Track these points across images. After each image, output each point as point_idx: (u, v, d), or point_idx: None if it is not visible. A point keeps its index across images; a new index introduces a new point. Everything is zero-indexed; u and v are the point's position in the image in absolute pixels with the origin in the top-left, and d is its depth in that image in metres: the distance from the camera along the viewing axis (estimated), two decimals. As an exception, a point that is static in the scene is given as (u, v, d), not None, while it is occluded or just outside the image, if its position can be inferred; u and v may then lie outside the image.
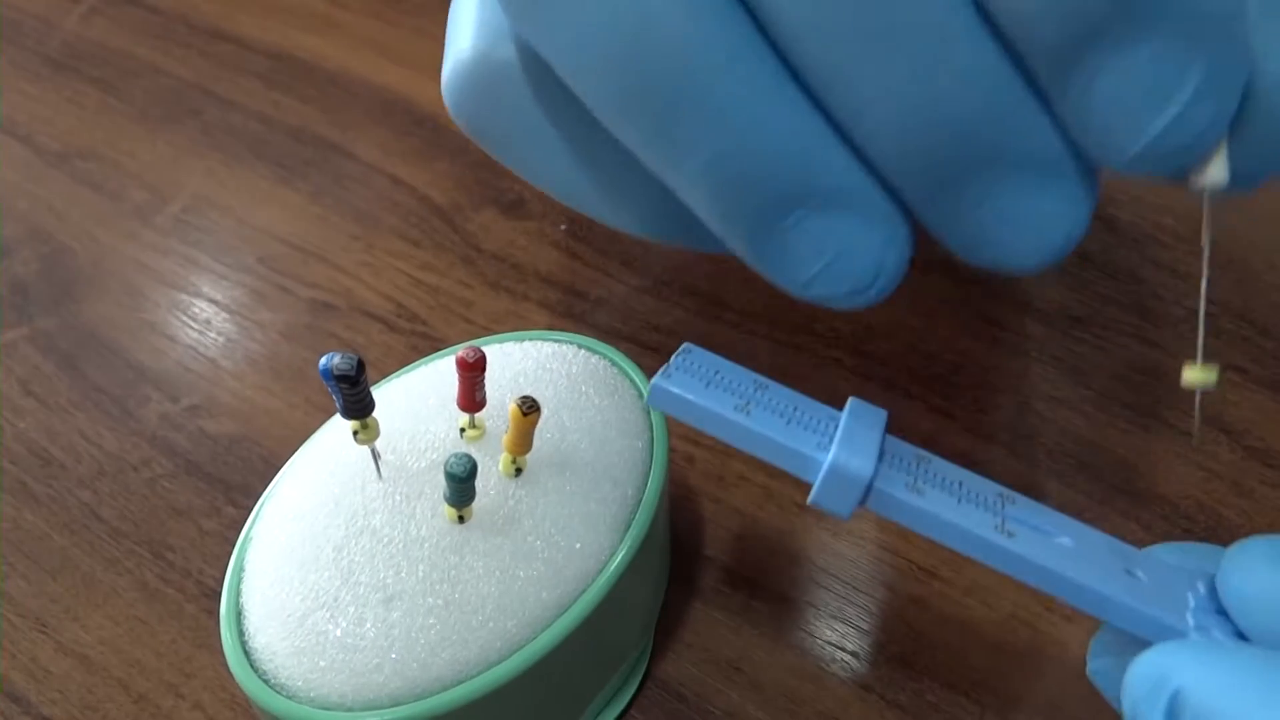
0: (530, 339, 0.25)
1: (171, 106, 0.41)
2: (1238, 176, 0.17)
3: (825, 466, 0.17)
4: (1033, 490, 0.29)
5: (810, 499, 0.18)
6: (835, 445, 0.17)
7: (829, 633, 0.25)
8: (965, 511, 0.17)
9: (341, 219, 0.36)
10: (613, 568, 0.21)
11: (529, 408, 0.20)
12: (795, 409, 0.18)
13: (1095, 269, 0.34)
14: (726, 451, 0.29)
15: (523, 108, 0.20)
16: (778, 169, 0.17)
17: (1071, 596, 0.17)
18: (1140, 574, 0.17)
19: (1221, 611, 0.17)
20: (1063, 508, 0.28)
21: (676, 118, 0.17)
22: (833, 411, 0.19)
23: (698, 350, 0.19)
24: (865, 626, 0.26)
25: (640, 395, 0.24)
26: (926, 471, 0.18)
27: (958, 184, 0.17)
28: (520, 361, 0.24)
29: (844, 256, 0.18)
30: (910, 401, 0.31)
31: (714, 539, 0.27)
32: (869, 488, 0.17)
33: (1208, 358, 0.32)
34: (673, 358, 0.19)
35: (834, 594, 0.26)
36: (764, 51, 0.17)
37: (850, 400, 0.19)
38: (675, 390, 0.18)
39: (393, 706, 0.19)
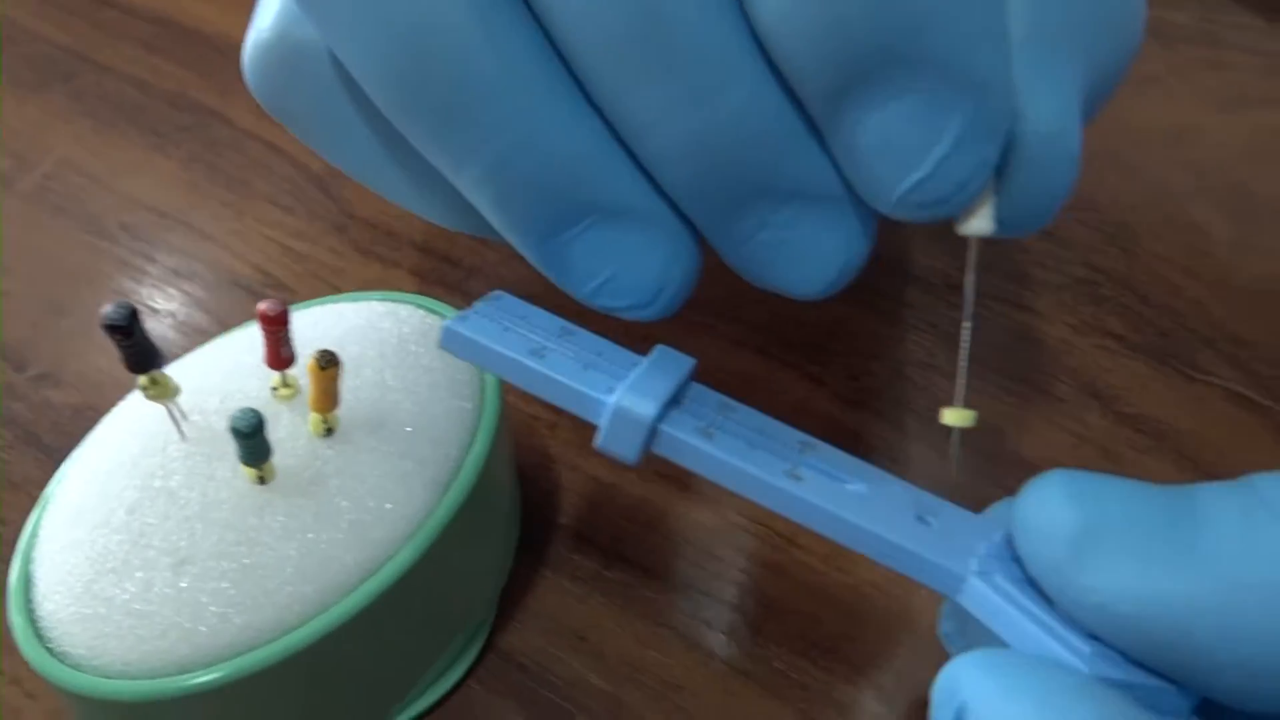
0: (365, 299, 0.24)
1: (45, 73, 0.40)
2: (1006, 225, 0.17)
3: (610, 409, 0.17)
4: (900, 455, 0.29)
5: (597, 443, 0.17)
6: (622, 388, 0.17)
7: (682, 601, 0.25)
8: (755, 457, 0.17)
9: (213, 185, 0.35)
10: (427, 530, 0.20)
11: (326, 361, 0.19)
12: (599, 354, 0.18)
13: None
14: (589, 419, 0.28)
15: (323, 91, 0.20)
16: (559, 180, 0.17)
17: (849, 540, 0.16)
18: (933, 521, 0.17)
19: (1017, 559, 0.16)
20: (930, 473, 0.28)
21: (455, 121, 0.17)
22: (638, 358, 0.18)
23: (507, 297, 0.19)
24: (718, 594, 0.25)
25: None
26: (726, 419, 0.18)
27: (736, 209, 0.17)
28: (350, 320, 0.23)
29: (627, 270, 0.18)
30: (784, 368, 0.30)
31: (569, 507, 0.27)
32: (654, 430, 0.17)
33: (1085, 326, 0.31)
34: (476, 302, 0.18)
35: (689, 562, 0.26)
36: (549, 62, 0.17)
37: (657, 347, 0.19)
38: (465, 333, 0.17)
39: (180, 674, 0.18)
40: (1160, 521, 0.14)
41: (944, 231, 0.34)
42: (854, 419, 0.29)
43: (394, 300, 0.24)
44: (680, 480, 0.27)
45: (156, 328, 0.31)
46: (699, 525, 0.26)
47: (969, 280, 0.18)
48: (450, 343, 0.18)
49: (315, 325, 0.23)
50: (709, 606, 0.25)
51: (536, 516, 0.26)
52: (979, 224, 0.17)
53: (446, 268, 0.32)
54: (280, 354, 0.20)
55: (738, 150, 0.16)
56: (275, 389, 0.21)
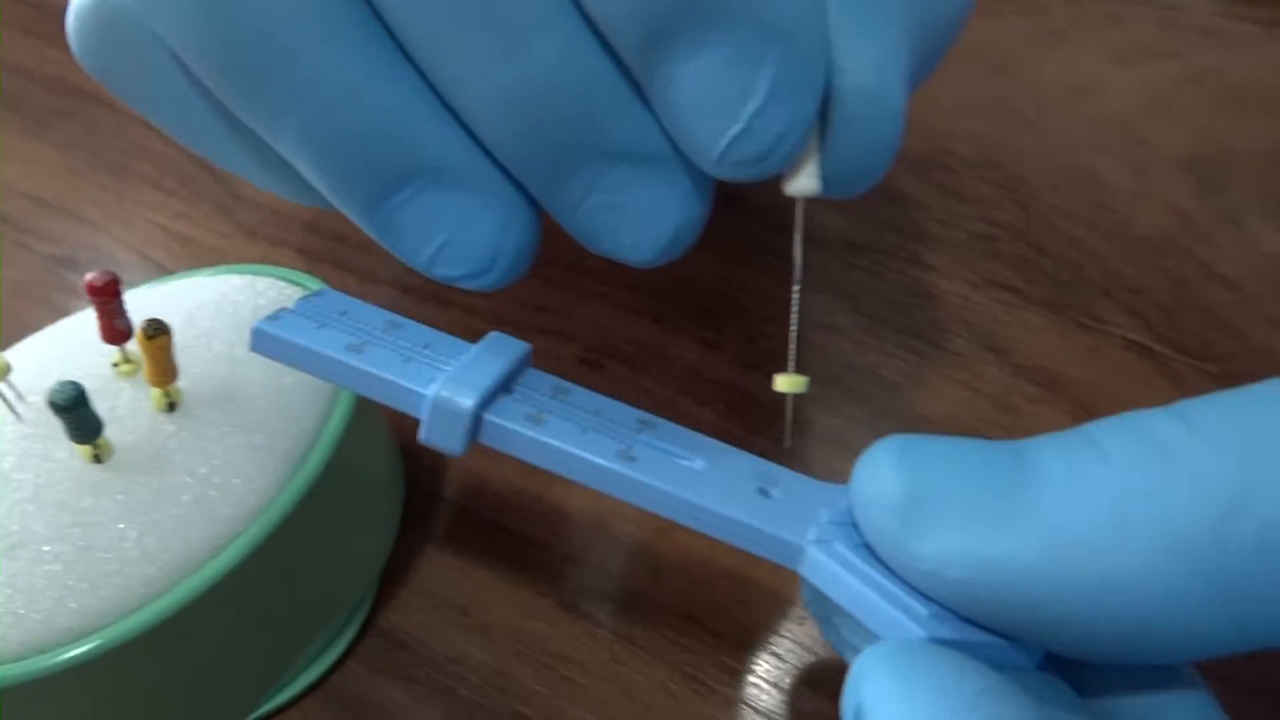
0: (223, 272, 0.23)
1: (-78, 61, 0.39)
2: (833, 184, 0.17)
3: (428, 401, 0.16)
4: (796, 417, 0.28)
5: (420, 436, 0.17)
6: (441, 379, 0.17)
7: (569, 571, 0.24)
8: (586, 440, 0.17)
9: (93, 171, 0.34)
10: (279, 505, 0.19)
11: (154, 330, 0.18)
12: (426, 346, 0.18)
13: (877, 195, 0.33)
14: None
15: (145, 55, 0.19)
16: (378, 140, 0.17)
17: (683, 517, 0.16)
18: (776, 493, 0.17)
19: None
20: (824, 434, 0.27)
21: (265, 80, 0.16)
22: (469, 347, 0.18)
23: (330, 293, 0.19)
24: (605, 563, 0.24)
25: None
26: (559, 403, 0.17)
27: (562, 171, 0.17)
28: (204, 293, 0.22)
29: (460, 237, 0.18)
30: (679, 334, 0.30)
31: (454, 481, 0.26)
32: (479, 420, 0.17)
33: (983, 281, 0.31)
34: (295, 301, 0.18)
35: (577, 532, 0.25)
36: (362, 16, 0.16)
37: (489, 334, 0.18)
38: (274, 333, 0.17)
39: (14, 662, 0.17)
40: (987, 482, 0.14)
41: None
42: (750, 382, 0.28)
43: (253, 273, 0.23)
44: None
45: (39, 314, 0.30)
46: (586, 494, 0.26)
47: (797, 241, 0.18)
48: (260, 345, 0.17)
49: (167, 299, 0.22)
50: (596, 575, 0.24)
51: (420, 491, 0.26)
52: (804, 183, 0.17)
53: (334, 244, 0.32)
54: (114, 327, 0.19)
55: (555, 107, 0.16)
56: (116, 365, 0.20)
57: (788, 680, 0.23)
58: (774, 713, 0.22)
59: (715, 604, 0.24)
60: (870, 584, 0.15)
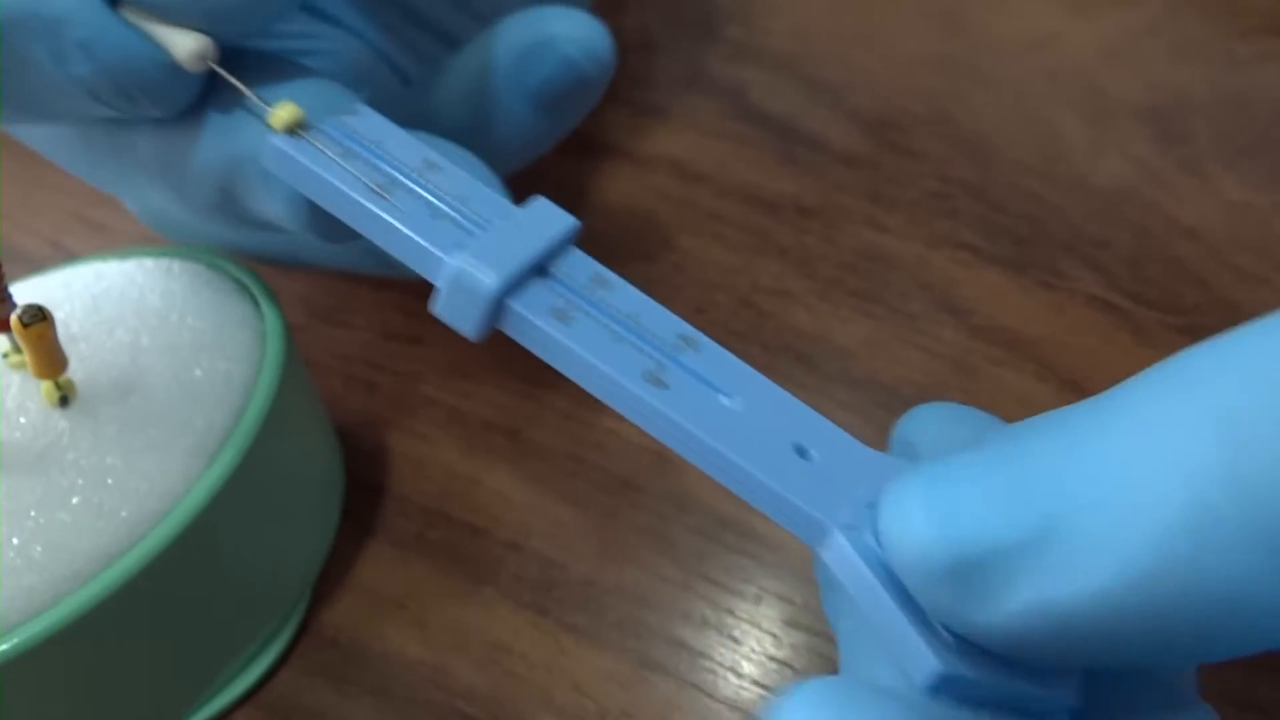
0: (135, 255, 0.21)
1: None
2: None
3: (449, 272, 0.15)
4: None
5: (434, 307, 0.15)
6: (470, 249, 0.15)
7: (509, 559, 0.23)
8: (614, 352, 0.14)
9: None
10: (185, 507, 0.18)
11: (30, 317, 0.17)
12: (461, 200, 0.16)
13: (830, 157, 0.32)
14: (412, 374, 0.26)
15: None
16: None
17: (703, 462, 0.14)
18: (814, 454, 0.14)
19: None
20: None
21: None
22: (509, 209, 0.16)
23: (369, 113, 0.17)
24: (547, 549, 0.23)
25: (261, 318, 0.21)
26: (595, 299, 0.15)
27: None
28: (110, 278, 0.21)
29: None
30: (625, 307, 0.28)
31: (394, 470, 0.25)
32: (501, 305, 0.15)
33: (939, 240, 0.30)
34: (328, 119, 0.16)
35: (517, 516, 0.24)
36: None
37: (534, 199, 0.16)
38: (290, 152, 0.15)
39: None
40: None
41: (790, 153, 0.32)
42: (698, 353, 0.27)
43: (169, 256, 0.21)
44: (507, 428, 0.25)
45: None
46: (528, 475, 0.25)
47: None
48: (273, 160, 0.16)
49: (67, 287, 0.20)
50: (539, 564, 0.23)
51: (358, 482, 0.24)
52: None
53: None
54: (-4, 316, 0.18)
55: None
56: (5, 356, 0.18)
57: (745, 664, 0.22)
58: (732, 699, 0.21)
59: (665, 589, 0.23)
60: (895, 593, 0.13)
